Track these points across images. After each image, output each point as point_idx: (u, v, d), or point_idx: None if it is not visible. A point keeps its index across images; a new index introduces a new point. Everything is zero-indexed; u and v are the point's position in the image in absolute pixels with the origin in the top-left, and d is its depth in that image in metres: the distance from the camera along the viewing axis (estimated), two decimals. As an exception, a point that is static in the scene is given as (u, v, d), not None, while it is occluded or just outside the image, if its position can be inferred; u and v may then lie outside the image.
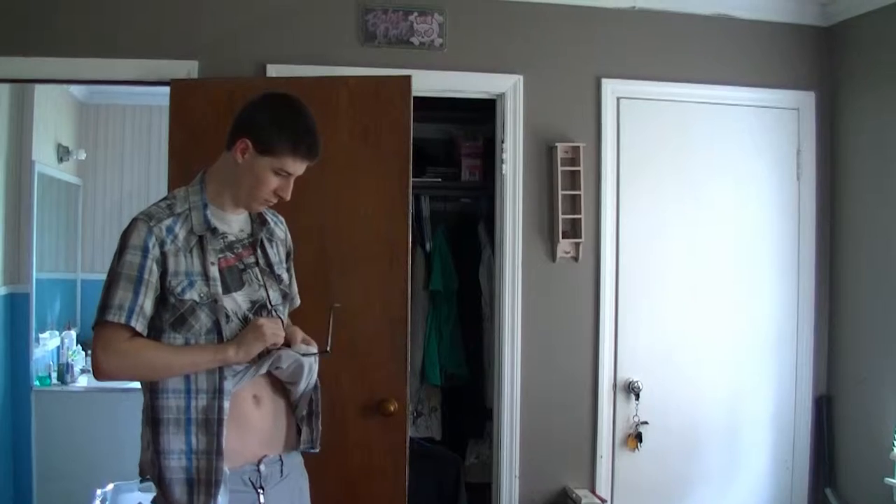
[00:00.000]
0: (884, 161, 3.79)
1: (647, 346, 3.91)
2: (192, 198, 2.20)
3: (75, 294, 6.00)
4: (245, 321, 2.18)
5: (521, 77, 3.80)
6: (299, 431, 2.35)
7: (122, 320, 2.04)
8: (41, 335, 5.20)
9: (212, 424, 2.10)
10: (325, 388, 2.42)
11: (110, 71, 3.59)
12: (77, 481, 4.59)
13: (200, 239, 2.15)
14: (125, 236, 2.11)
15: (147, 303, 2.07)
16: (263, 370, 2.20)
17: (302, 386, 2.28)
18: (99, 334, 2.09)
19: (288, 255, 2.44)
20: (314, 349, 2.27)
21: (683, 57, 3.95)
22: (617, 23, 3.89)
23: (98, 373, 2.10)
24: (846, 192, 4.03)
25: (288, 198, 2.22)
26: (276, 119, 2.15)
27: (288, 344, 2.22)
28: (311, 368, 2.27)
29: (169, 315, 2.11)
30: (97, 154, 6.07)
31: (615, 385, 3.88)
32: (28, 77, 3.80)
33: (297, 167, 2.18)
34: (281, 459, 2.26)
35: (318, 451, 2.38)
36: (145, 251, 2.07)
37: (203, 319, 2.11)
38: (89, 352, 2.26)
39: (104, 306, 2.06)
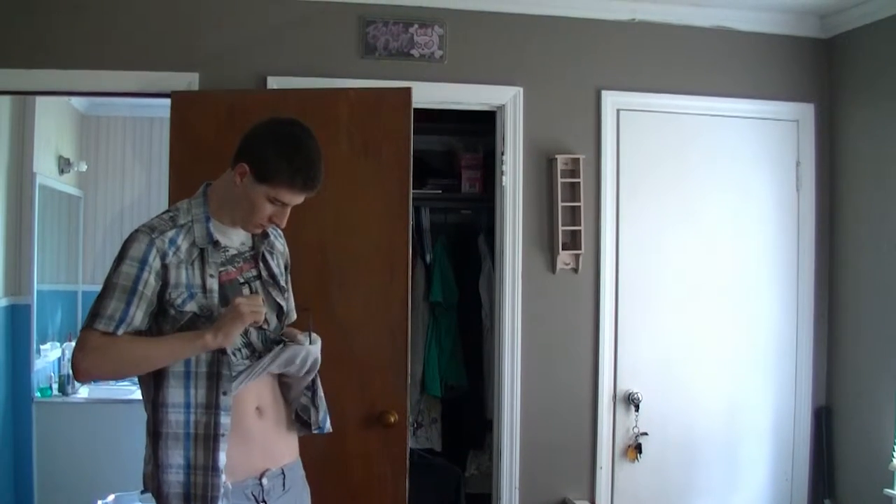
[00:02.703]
0: (883, 173, 3.79)
1: (647, 358, 3.91)
2: (194, 210, 2.21)
3: (76, 305, 5.99)
4: (246, 334, 2.19)
5: (521, 89, 3.81)
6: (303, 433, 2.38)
7: (111, 330, 2.05)
8: (42, 346, 5.20)
9: (210, 440, 2.10)
10: (325, 398, 2.43)
11: (111, 83, 3.60)
12: (78, 492, 4.61)
13: (202, 252, 2.16)
14: (125, 247, 2.11)
15: (138, 315, 2.07)
16: (274, 366, 2.20)
17: (307, 371, 2.28)
18: (82, 337, 2.08)
19: (286, 267, 2.44)
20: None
21: (683, 69, 3.96)
22: (617, 35, 3.91)
23: (76, 372, 2.10)
24: (846, 203, 4.03)
25: (283, 226, 2.23)
26: (277, 149, 2.13)
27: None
28: (309, 355, 2.27)
29: (169, 326, 2.11)
30: (98, 166, 6.08)
31: (615, 396, 3.88)
32: (29, 89, 3.81)
33: (293, 198, 2.17)
34: (283, 472, 2.26)
35: (330, 430, 2.41)
36: (143, 263, 2.07)
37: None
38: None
39: (95, 314, 2.06)
